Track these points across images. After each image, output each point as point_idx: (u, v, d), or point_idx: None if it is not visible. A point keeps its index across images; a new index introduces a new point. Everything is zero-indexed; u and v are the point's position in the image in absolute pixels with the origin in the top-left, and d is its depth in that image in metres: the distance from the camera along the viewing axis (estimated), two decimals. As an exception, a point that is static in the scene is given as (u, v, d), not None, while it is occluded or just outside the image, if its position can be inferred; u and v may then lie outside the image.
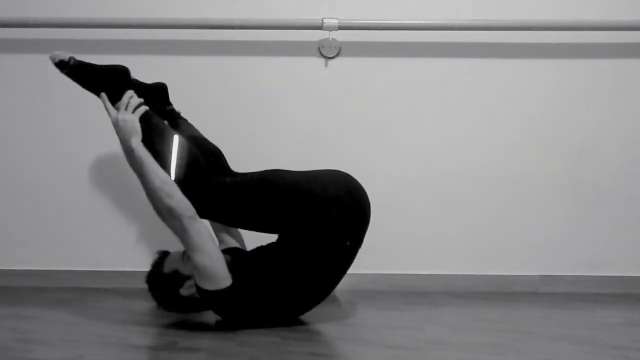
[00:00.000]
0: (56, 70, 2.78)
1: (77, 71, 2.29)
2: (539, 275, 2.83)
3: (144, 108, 2.22)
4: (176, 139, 2.25)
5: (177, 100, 2.49)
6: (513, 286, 2.81)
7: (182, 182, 2.18)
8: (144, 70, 2.74)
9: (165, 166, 2.19)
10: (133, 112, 2.19)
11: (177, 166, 2.21)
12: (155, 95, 2.39)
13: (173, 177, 2.20)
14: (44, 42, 2.77)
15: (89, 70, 2.30)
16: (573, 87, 2.82)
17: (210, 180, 2.24)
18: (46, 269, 2.81)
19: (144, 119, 2.21)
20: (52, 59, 2.29)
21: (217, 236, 2.48)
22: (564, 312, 2.51)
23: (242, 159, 2.56)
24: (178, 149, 2.23)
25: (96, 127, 2.80)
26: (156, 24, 2.73)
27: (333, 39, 2.76)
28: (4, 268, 2.81)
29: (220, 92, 2.81)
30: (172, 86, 2.67)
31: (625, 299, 2.72)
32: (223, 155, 2.38)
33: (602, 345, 2.09)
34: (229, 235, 2.52)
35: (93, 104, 2.77)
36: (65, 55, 2.29)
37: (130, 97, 2.22)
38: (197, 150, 2.28)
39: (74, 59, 2.30)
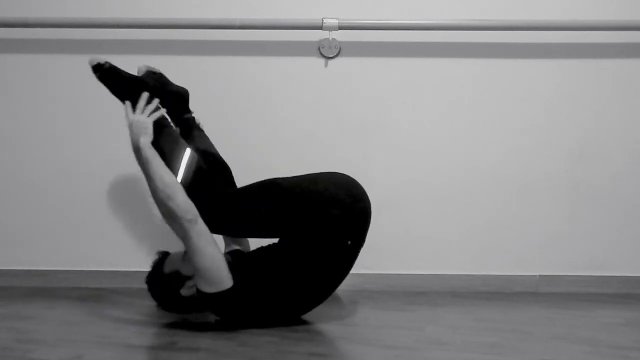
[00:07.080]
0: (56, 71, 2.80)
1: (108, 75, 2.32)
2: (539, 275, 2.83)
3: (160, 113, 2.24)
4: (187, 152, 2.25)
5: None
6: (513, 286, 2.81)
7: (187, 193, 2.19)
8: (144, 70, 2.76)
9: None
10: (149, 115, 2.20)
11: (183, 178, 2.20)
12: (174, 101, 2.40)
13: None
14: (44, 42, 2.77)
15: (118, 76, 2.33)
16: (573, 87, 2.82)
17: (213, 193, 2.24)
18: (46, 269, 2.81)
19: (156, 126, 2.21)
20: (90, 62, 2.33)
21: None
22: (564, 312, 2.51)
23: (242, 159, 2.58)
24: (187, 162, 2.23)
25: (96, 128, 2.81)
26: (156, 24, 2.73)
27: (333, 39, 2.76)
28: (4, 268, 2.81)
29: (220, 92, 2.81)
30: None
31: (625, 299, 2.72)
32: (230, 171, 2.40)
33: (602, 345, 2.08)
34: (232, 240, 2.52)
35: (93, 104, 2.79)
36: (101, 59, 2.33)
37: (146, 100, 2.23)
38: (205, 163, 2.28)
39: (109, 63, 2.33)
